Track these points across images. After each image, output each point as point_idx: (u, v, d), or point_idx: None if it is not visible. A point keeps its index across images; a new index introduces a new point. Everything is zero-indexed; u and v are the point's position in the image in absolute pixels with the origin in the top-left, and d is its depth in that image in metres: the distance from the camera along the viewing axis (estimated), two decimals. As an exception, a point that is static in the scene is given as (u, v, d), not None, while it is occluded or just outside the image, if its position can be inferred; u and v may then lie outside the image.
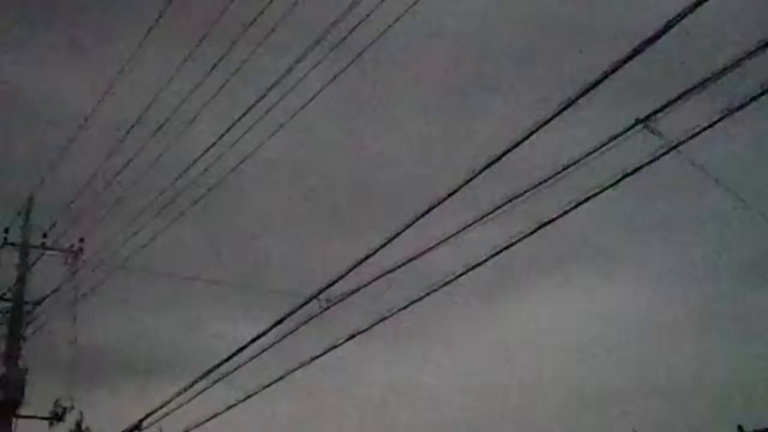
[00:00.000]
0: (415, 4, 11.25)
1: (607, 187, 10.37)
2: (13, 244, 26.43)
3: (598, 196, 10.45)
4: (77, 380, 24.67)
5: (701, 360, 35.08)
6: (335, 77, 12.98)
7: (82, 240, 25.49)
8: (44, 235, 26.02)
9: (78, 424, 23.67)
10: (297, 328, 15.40)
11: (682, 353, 36.19)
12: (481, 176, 11.05)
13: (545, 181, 10.72)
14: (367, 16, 11.89)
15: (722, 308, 36.53)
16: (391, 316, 13.84)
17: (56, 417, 24.92)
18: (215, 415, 18.39)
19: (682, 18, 9.41)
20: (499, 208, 11.15)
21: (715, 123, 9.60)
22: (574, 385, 36.23)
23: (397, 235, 12.47)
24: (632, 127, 10.11)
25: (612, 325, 38.72)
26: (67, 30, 33.36)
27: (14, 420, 25.22)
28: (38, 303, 26.05)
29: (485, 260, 11.62)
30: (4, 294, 26.35)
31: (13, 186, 27.67)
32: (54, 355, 25.13)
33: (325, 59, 12.70)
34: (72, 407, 24.67)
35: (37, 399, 25.18)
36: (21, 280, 26.29)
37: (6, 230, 26.34)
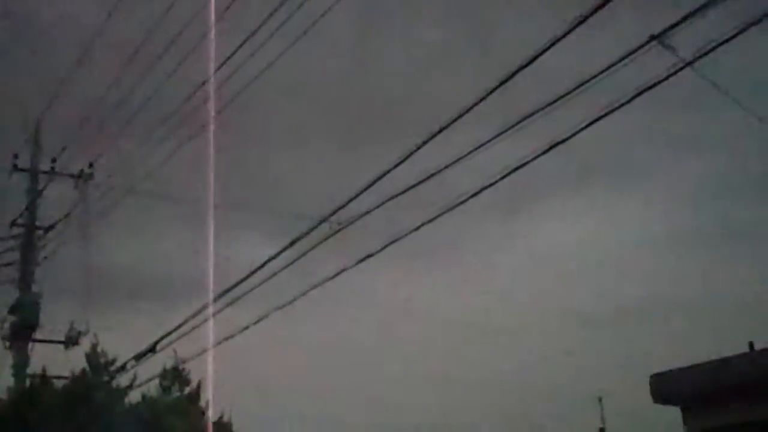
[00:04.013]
0: None
1: (622, 105, 10.29)
2: (22, 170, 26.46)
3: (613, 114, 10.40)
4: (91, 304, 24.85)
5: (717, 276, 35.22)
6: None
7: (91, 165, 25.53)
8: (53, 160, 26.04)
9: (93, 348, 23.87)
10: (309, 250, 15.41)
11: (698, 269, 36.33)
12: (496, 93, 10.97)
13: (560, 98, 10.65)
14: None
15: (738, 224, 36.59)
16: (402, 237, 13.81)
17: (71, 341, 25.16)
18: (229, 338, 18.49)
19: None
20: (514, 125, 11.09)
21: (729, 39, 9.50)
22: (591, 303, 36.40)
23: (411, 154, 12.41)
24: (646, 43, 10.01)
25: (627, 242, 38.80)
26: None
27: (30, 344, 25.48)
28: (50, 228, 26.16)
29: (500, 179, 11.57)
30: (16, 220, 26.45)
31: (21, 110, 27.59)
32: (67, 279, 25.28)
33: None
34: (87, 331, 24.90)
35: (52, 323, 25.42)
36: (31, 205, 26.37)
37: (15, 156, 26.37)
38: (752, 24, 9.32)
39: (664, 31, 9.88)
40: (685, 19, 9.75)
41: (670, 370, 15.59)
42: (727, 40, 9.53)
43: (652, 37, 9.95)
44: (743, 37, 9.44)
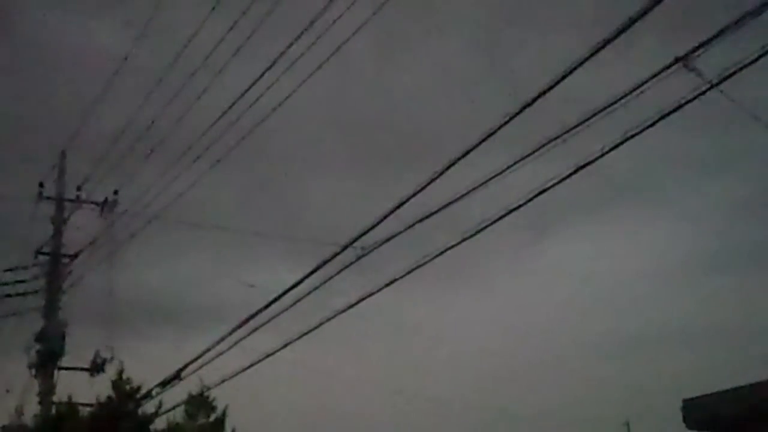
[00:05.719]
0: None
1: (647, 127, 10.24)
2: (48, 198, 26.57)
3: (638, 136, 10.34)
4: (116, 331, 24.87)
5: (742, 300, 34.96)
6: (373, 14, 12.68)
7: (116, 192, 25.61)
8: (79, 188, 26.13)
9: (119, 375, 23.88)
10: (333, 276, 15.36)
11: (723, 292, 36.07)
12: (520, 117, 10.93)
13: (585, 121, 10.59)
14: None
15: (764, 247, 36.33)
16: (426, 263, 13.75)
17: (97, 368, 25.14)
18: (253, 364, 18.44)
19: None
20: (538, 149, 11.04)
21: (754, 61, 9.43)
22: (616, 327, 36.14)
23: (434, 179, 12.36)
24: (671, 65, 9.96)
25: (652, 265, 38.56)
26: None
27: (56, 372, 25.50)
28: (75, 256, 26.22)
29: (525, 203, 11.52)
30: (41, 248, 26.53)
31: (47, 139, 27.70)
32: (93, 307, 25.31)
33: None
34: (112, 358, 24.89)
35: (78, 351, 25.45)
36: (57, 233, 26.45)
37: (41, 184, 26.48)
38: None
39: (689, 53, 9.82)
40: (709, 41, 9.69)
41: (704, 395, 15.39)
42: (752, 62, 9.46)
43: (677, 59, 9.90)
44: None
